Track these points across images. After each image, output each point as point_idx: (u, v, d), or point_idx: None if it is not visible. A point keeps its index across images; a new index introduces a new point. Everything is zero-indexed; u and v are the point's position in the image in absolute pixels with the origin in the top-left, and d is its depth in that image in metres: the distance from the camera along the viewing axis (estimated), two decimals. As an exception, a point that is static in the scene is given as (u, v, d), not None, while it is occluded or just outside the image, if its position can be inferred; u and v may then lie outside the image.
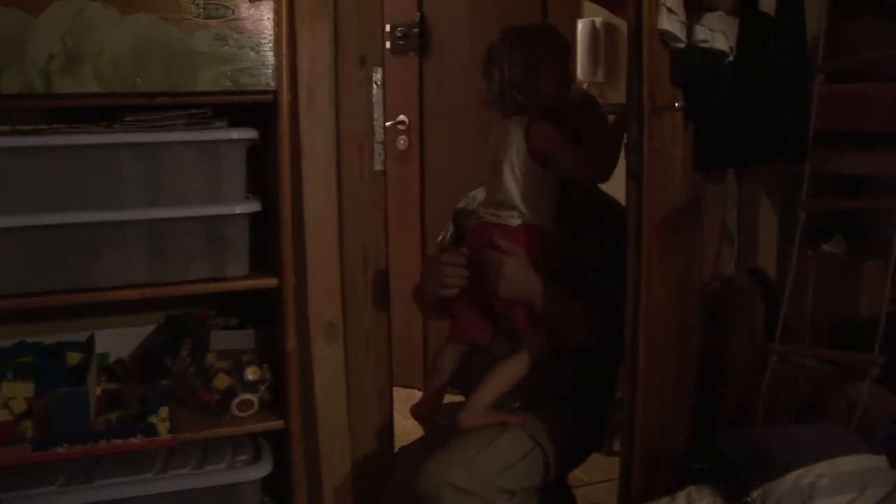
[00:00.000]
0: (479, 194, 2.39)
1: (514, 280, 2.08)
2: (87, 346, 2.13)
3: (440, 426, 2.29)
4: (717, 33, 2.27)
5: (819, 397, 2.46)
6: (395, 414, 2.53)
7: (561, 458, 2.18)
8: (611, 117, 2.39)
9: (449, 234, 2.46)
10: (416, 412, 2.30)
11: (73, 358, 2.07)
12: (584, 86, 3.44)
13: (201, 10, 1.84)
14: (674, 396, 2.37)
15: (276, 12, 1.90)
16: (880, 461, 1.83)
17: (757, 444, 2.03)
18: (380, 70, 2.29)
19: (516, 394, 2.22)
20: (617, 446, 3.12)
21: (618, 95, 3.25)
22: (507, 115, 2.17)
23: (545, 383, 2.24)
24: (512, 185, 2.12)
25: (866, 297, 2.67)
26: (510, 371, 2.14)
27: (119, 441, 1.88)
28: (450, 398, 2.36)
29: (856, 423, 2.24)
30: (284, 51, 1.92)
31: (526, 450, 2.10)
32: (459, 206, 2.46)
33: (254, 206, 1.99)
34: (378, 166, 2.31)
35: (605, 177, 2.22)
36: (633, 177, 1.89)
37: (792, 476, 1.78)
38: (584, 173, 2.19)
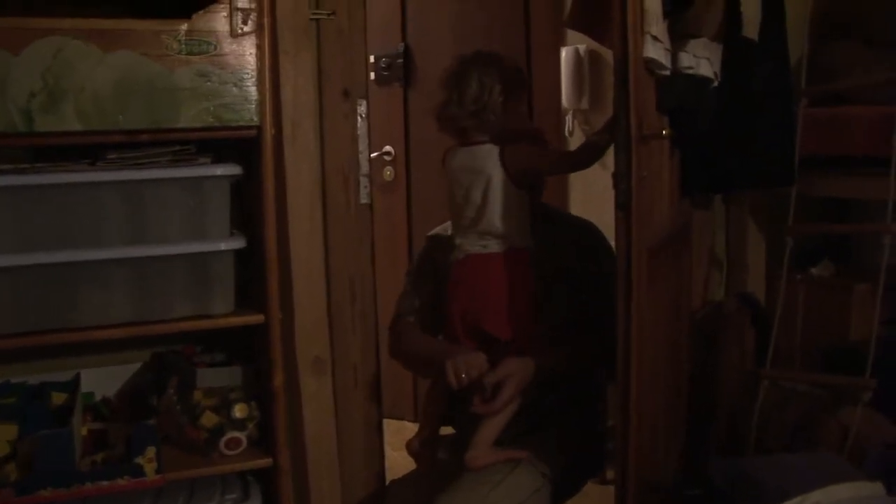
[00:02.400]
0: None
1: (524, 381, 2.10)
2: (72, 386, 2.10)
3: (434, 461, 2.27)
4: (702, 60, 2.28)
5: (810, 422, 2.46)
6: (386, 446, 2.51)
7: (565, 489, 2.17)
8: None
9: (415, 267, 2.44)
10: (412, 448, 2.28)
11: (58, 398, 2.04)
12: (570, 114, 3.45)
13: (183, 46, 1.83)
14: (665, 424, 2.36)
15: (259, 47, 1.89)
16: (877, 488, 1.82)
17: (748, 472, 2.02)
18: (364, 102, 2.29)
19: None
20: (610, 475, 3.10)
21: (603, 122, 3.25)
22: (467, 144, 2.17)
23: (534, 411, 2.23)
24: (494, 212, 2.12)
25: (856, 321, 2.68)
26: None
27: (105, 483, 1.84)
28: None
29: (849, 447, 2.23)
30: (268, 85, 1.90)
31: (537, 485, 2.09)
32: (429, 243, 2.45)
33: (239, 243, 1.97)
34: (364, 199, 2.30)
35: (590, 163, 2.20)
36: (622, 206, 1.88)
37: (786, 506, 1.77)
38: (571, 167, 2.35)
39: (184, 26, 1.83)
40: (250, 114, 1.90)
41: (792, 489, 1.83)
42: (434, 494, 2.05)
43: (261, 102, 1.90)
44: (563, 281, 2.24)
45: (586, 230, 2.37)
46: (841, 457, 2.15)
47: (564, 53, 3.43)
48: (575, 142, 3.47)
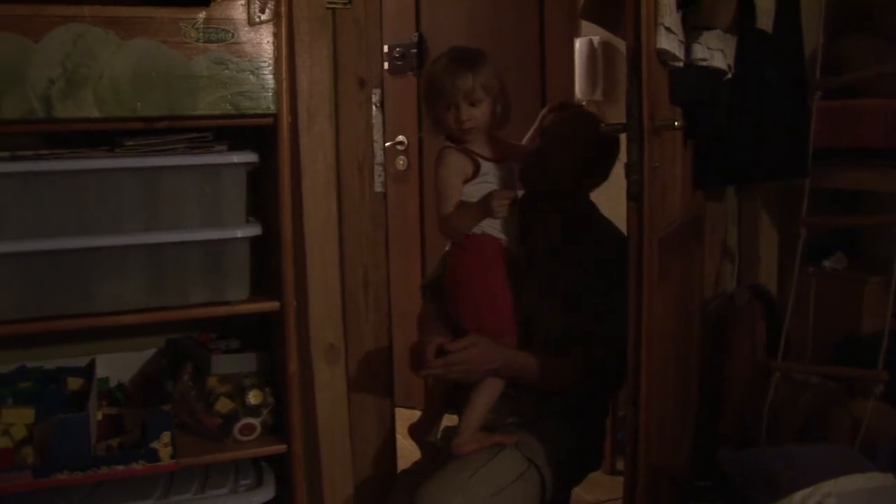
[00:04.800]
0: None
1: (483, 363, 2.11)
2: (88, 371, 2.12)
3: (437, 448, 2.29)
4: (716, 51, 2.28)
5: (822, 415, 2.46)
6: (397, 434, 2.52)
7: (558, 477, 2.17)
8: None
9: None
10: (413, 433, 2.30)
11: (74, 383, 2.06)
12: (583, 104, 3.44)
13: (200, 34, 1.84)
14: (676, 415, 2.37)
15: (276, 35, 1.90)
16: (888, 479, 1.82)
17: (760, 463, 2.02)
18: (379, 91, 2.30)
19: (512, 412, 2.22)
20: (620, 465, 3.11)
21: (616, 114, 3.25)
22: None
23: (538, 401, 2.23)
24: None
25: (868, 313, 2.67)
26: (487, 390, 2.15)
27: (121, 467, 1.86)
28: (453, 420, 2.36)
29: (860, 440, 2.23)
30: (284, 74, 1.91)
31: (521, 470, 2.10)
32: None
33: (254, 230, 1.98)
34: (378, 188, 2.31)
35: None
36: (634, 197, 1.88)
37: (798, 496, 1.78)
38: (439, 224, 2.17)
39: (202, 14, 1.84)
40: (267, 102, 1.91)
41: (804, 480, 1.83)
42: None
43: (277, 91, 1.91)
44: (571, 289, 2.23)
45: (608, 243, 2.31)
46: (853, 449, 2.16)
47: (578, 44, 3.42)
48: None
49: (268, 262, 2.07)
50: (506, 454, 2.10)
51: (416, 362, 2.19)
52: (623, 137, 2.29)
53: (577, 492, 2.44)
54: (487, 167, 2.12)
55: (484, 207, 2.06)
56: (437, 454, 2.27)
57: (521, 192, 2.18)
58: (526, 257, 2.21)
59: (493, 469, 2.06)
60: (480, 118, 2.10)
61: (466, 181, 2.11)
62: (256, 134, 2.01)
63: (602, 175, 2.32)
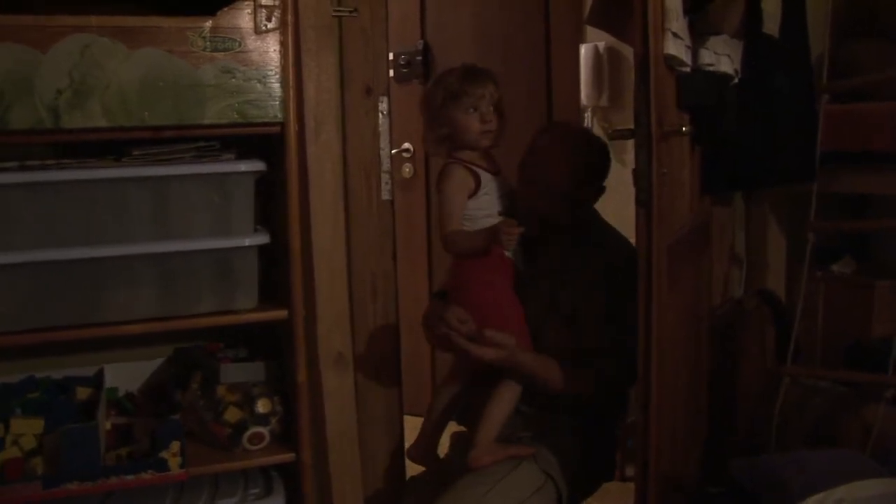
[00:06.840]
0: None
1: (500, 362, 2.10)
2: (97, 381, 2.12)
3: (445, 460, 2.28)
4: (723, 56, 2.28)
5: (832, 420, 2.45)
6: (406, 443, 2.52)
7: (573, 490, 2.16)
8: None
9: None
10: (413, 455, 2.29)
11: (83, 393, 2.06)
12: (588, 110, 3.44)
13: (208, 43, 1.84)
14: (686, 422, 2.36)
15: (283, 44, 1.90)
16: (901, 485, 1.82)
17: (771, 470, 2.02)
18: (385, 99, 2.30)
19: (525, 426, 2.22)
20: (630, 472, 3.10)
21: (623, 120, 3.25)
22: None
23: (551, 415, 2.22)
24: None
25: (878, 318, 2.66)
26: (504, 400, 2.13)
27: (130, 477, 1.86)
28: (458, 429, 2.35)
29: (871, 445, 2.22)
30: (291, 82, 1.92)
31: (538, 484, 2.09)
32: None
33: (262, 239, 1.98)
34: (385, 195, 2.31)
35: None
36: (642, 203, 1.88)
37: (810, 501, 1.77)
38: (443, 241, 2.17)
39: (208, 23, 1.84)
40: (274, 110, 1.91)
41: (816, 486, 1.82)
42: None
43: (284, 99, 1.92)
44: (574, 304, 2.22)
45: (609, 248, 2.30)
46: (864, 454, 2.15)
47: (583, 50, 3.42)
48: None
49: (276, 270, 2.07)
50: (523, 468, 2.09)
51: (431, 317, 2.19)
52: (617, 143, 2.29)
53: (588, 500, 2.43)
54: (487, 179, 2.13)
55: (493, 237, 2.06)
56: (446, 465, 2.26)
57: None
58: (529, 275, 2.21)
59: (511, 483, 2.05)
60: (496, 124, 2.12)
61: (470, 196, 2.12)
62: (264, 142, 2.01)
63: (599, 181, 2.30)
